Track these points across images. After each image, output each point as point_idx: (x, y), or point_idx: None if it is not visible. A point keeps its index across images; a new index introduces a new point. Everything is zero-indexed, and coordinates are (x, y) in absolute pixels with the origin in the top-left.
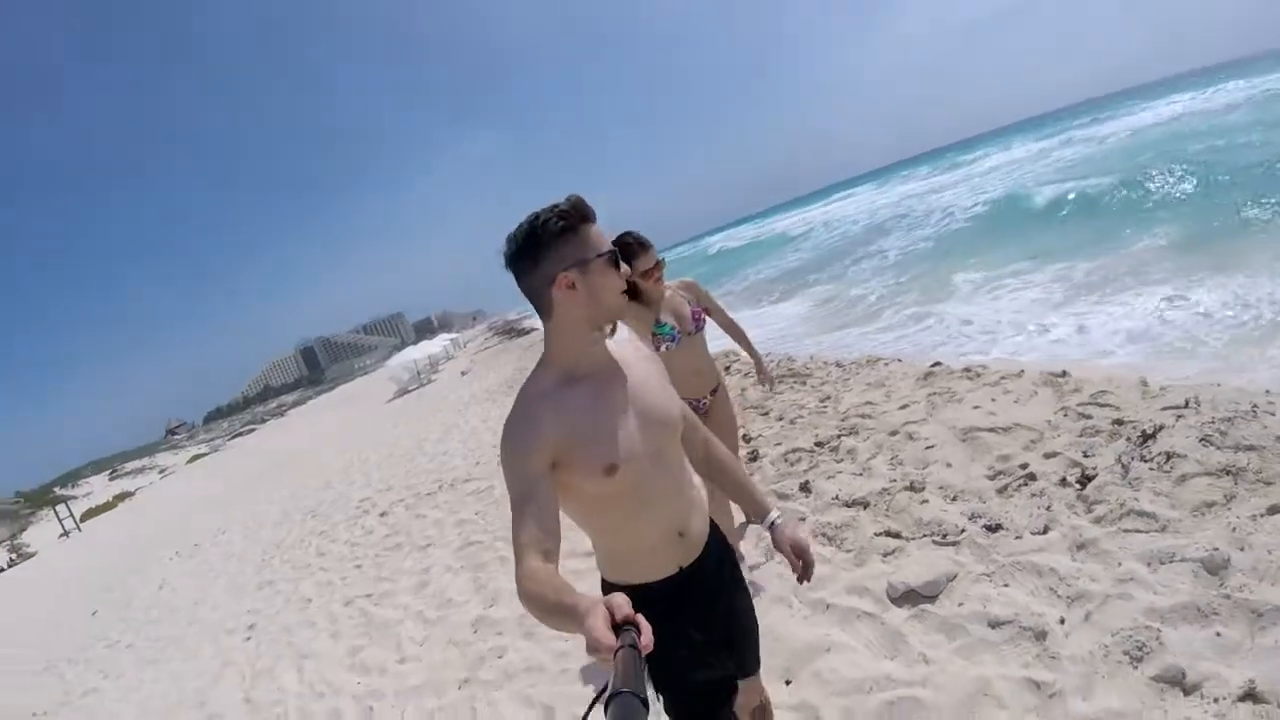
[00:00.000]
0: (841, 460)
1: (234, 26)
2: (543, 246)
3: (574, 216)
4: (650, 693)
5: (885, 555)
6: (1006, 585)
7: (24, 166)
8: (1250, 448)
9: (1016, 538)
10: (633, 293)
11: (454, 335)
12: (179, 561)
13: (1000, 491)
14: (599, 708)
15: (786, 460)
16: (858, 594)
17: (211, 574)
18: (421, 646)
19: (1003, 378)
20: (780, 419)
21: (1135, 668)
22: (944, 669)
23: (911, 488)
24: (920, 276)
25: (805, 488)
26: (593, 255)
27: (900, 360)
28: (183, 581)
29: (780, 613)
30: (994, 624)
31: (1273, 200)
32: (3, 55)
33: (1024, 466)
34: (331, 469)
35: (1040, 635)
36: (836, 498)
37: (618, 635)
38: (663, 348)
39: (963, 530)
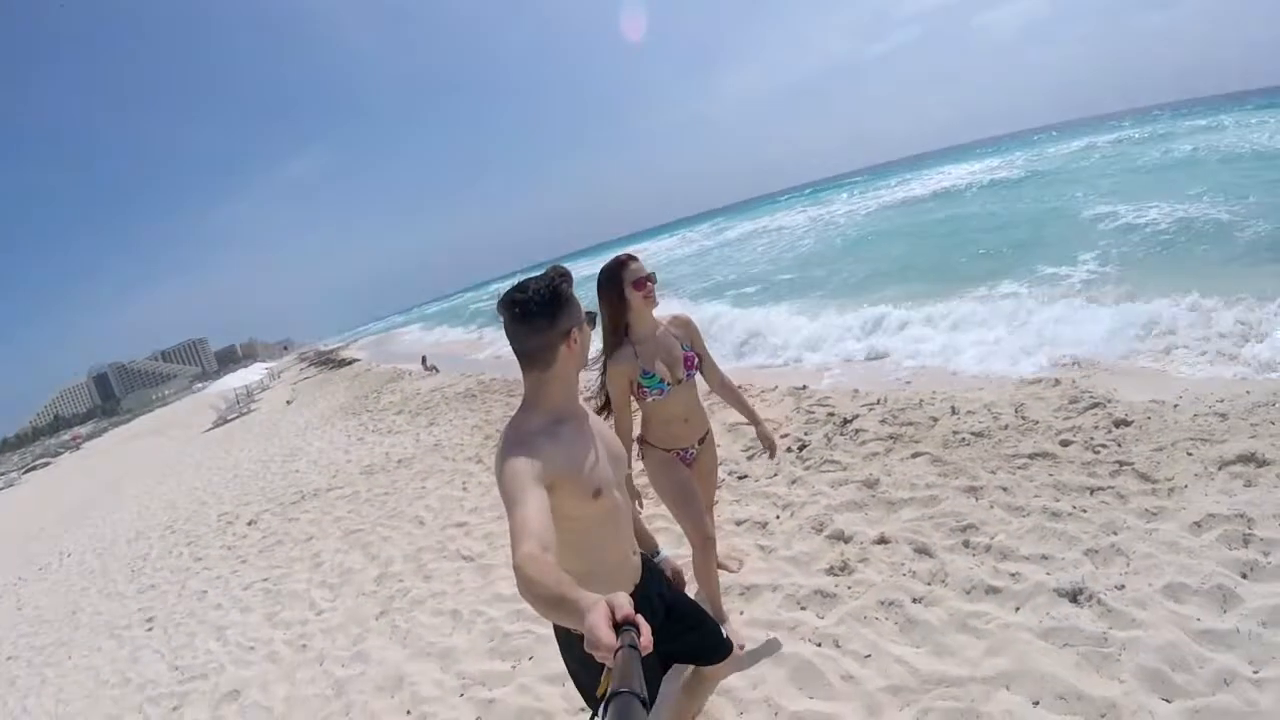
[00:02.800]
0: None
1: (39, 30)
2: (561, 306)
3: (572, 282)
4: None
5: None
6: (746, 505)
7: None
8: (910, 424)
9: (755, 480)
10: (618, 331)
11: (270, 365)
12: (29, 584)
13: (749, 458)
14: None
15: None
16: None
17: (76, 589)
18: (333, 602)
19: (763, 391)
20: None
21: (818, 533)
22: None
23: None
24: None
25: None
26: (583, 317)
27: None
28: (44, 599)
29: None
30: (738, 522)
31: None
32: None
33: (782, 434)
34: (172, 491)
35: (763, 525)
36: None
37: (618, 634)
38: (649, 399)
39: (722, 479)
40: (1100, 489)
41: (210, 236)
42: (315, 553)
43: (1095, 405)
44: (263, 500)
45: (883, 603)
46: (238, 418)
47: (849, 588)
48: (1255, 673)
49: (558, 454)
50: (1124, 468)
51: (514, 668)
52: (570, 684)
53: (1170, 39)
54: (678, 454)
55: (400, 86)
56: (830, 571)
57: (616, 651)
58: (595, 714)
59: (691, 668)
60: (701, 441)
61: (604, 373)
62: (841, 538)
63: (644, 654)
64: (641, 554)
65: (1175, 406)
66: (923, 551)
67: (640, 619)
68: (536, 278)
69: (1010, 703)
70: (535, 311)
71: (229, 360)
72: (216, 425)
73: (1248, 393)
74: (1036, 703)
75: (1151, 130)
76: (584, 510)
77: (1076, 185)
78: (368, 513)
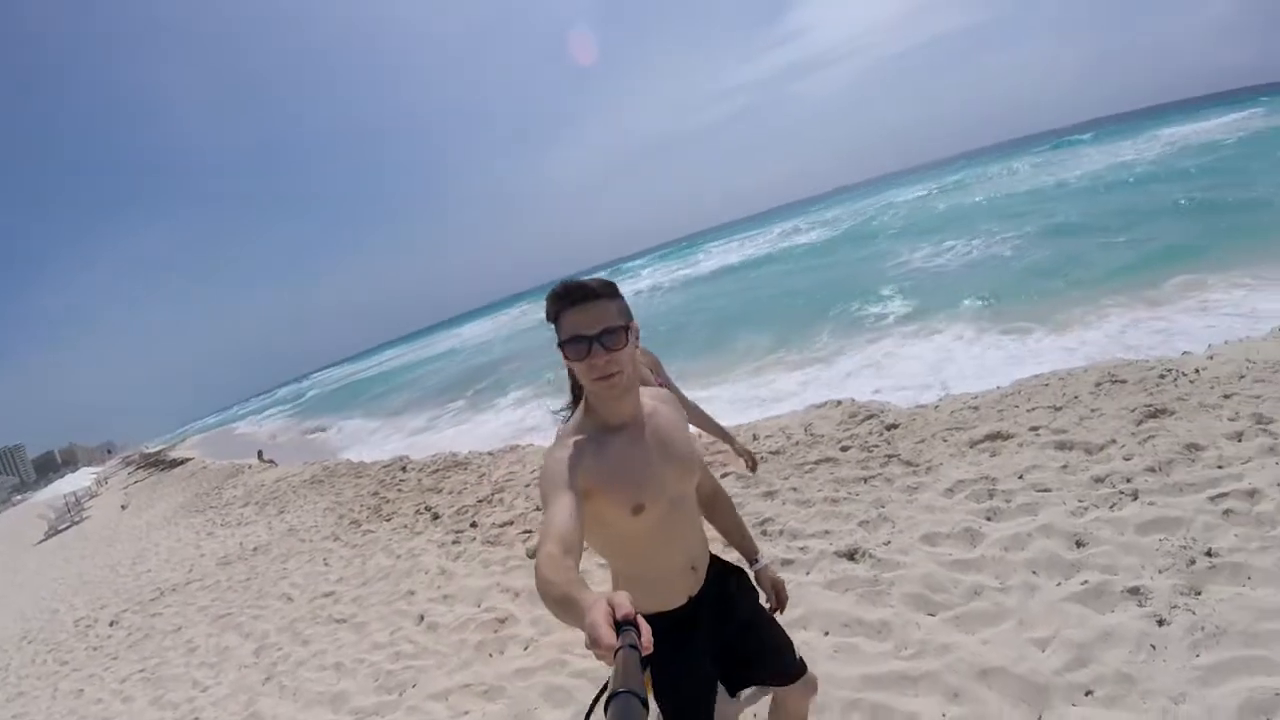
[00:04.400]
0: (495, 506)
1: None
2: (620, 294)
3: (553, 305)
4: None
5: None
6: None
7: None
8: (720, 451)
9: None
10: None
11: (96, 470)
12: None
13: None
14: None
15: (459, 513)
16: None
17: None
18: (217, 678)
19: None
20: (453, 492)
21: None
22: None
23: (539, 509)
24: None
25: (475, 524)
26: (561, 342)
27: (522, 445)
28: None
29: None
30: None
31: None
32: None
33: None
34: (17, 603)
35: None
36: (510, 523)
37: (619, 633)
38: None
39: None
40: (872, 477)
41: (18, 333)
42: (187, 639)
43: (870, 416)
44: (119, 601)
45: None
46: (70, 527)
47: None
48: (1000, 583)
49: (599, 465)
50: (891, 459)
51: (401, 695)
52: (453, 697)
53: (979, 90)
54: None
55: (225, 171)
56: None
57: (616, 651)
58: (589, 714)
59: (771, 697)
60: None
61: None
62: None
63: (644, 654)
64: (719, 566)
65: (936, 408)
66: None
67: (641, 619)
68: (575, 281)
69: (807, 636)
70: (600, 292)
71: (48, 468)
72: (49, 536)
73: (998, 387)
74: (827, 633)
75: (950, 179)
76: (625, 523)
77: (878, 238)
78: (233, 598)
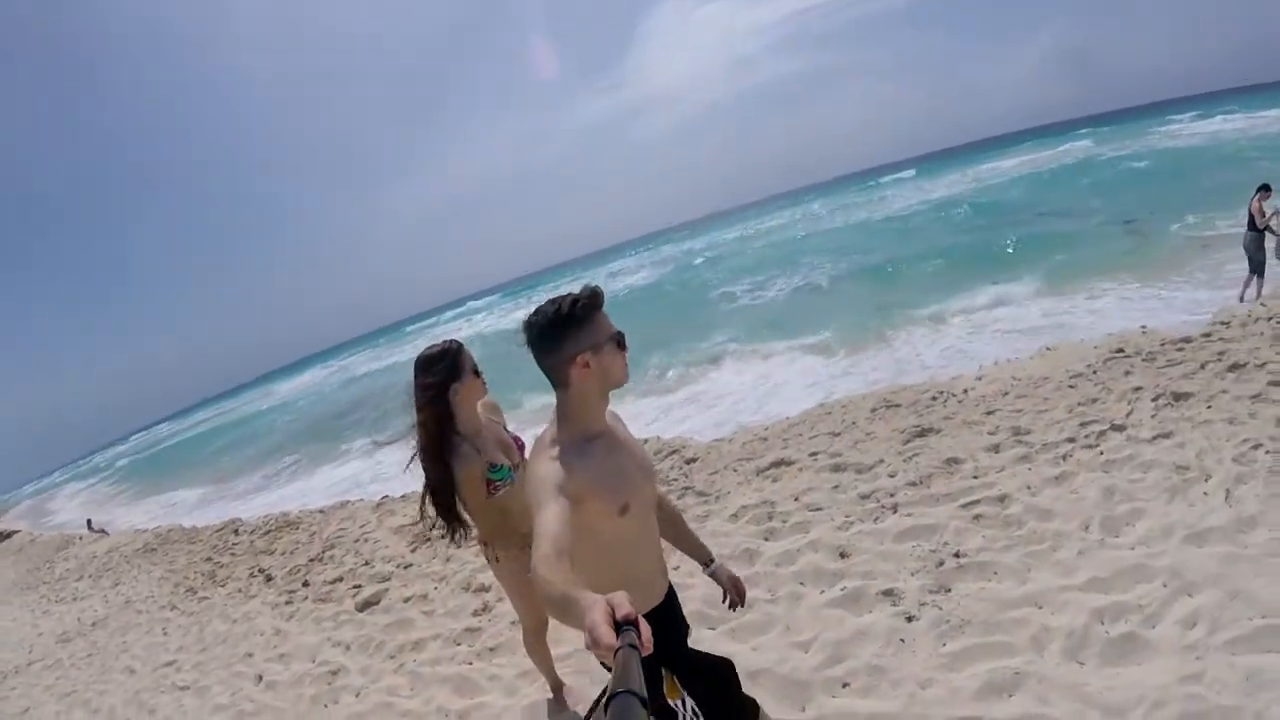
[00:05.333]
0: (325, 564)
1: None
2: (566, 330)
3: (589, 306)
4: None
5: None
6: (411, 585)
7: None
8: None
9: (418, 566)
10: (448, 424)
11: None
12: None
13: (413, 550)
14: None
15: (291, 573)
16: None
17: None
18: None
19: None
20: (285, 553)
21: (466, 590)
22: None
23: (367, 564)
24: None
25: (306, 583)
26: (604, 339)
27: (352, 501)
28: None
29: None
30: (405, 599)
31: None
32: None
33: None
34: None
35: (424, 596)
36: (340, 579)
37: (618, 634)
38: (499, 493)
39: (394, 570)
40: None
41: None
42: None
43: (673, 452)
44: None
45: (514, 622)
46: None
47: (489, 621)
48: (771, 595)
49: (586, 470)
50: (688, 490)
51: None
52: None
53: (804, 131)
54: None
55: (32, 205)
56: (475, 614)
57: (616, 651)
58: (590, 714)
59: None
60: None
61: (437, 488)
62: (483, 588)
63: (644, 654)
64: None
65: (730, 440)
66: None
67: (641, 619)
68: (554, 299)
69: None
70: (542, 334)
71: None
72: None
73: (786, 418)
74: None
75: (769, 218)
76: (612, 526)
77: (707, 273)
78: (76, 675)
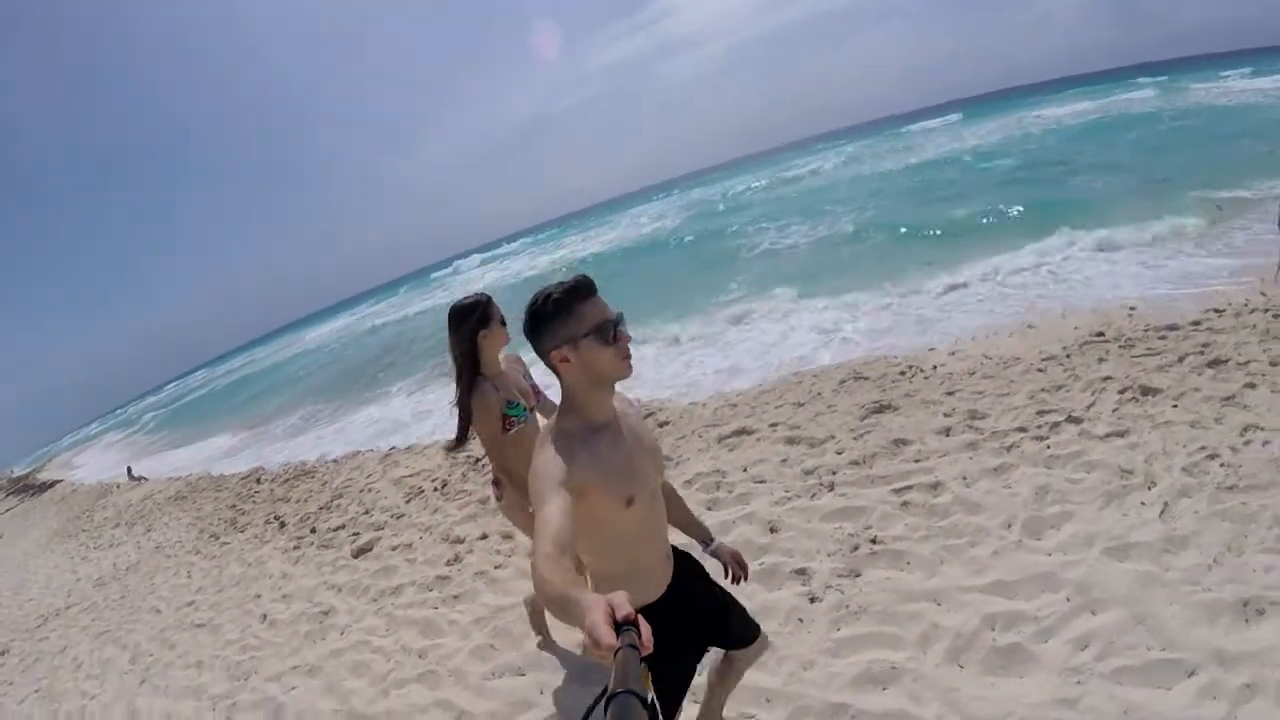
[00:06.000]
0: (332, 512)
1: None
2: (540, 325)
3: (568, 298)
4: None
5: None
6: (401, 534)
7: None
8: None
9: (409, 516)
10: (474, 364)
11: None
12: None
13: (407, 501)
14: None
15: (302, 520)
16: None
17: None
18: (101, 686)
19: (426, 448)
20: (299, 500)
21: (444, 541)
22: None
23: (367, 513)
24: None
25: (314, 530)
26: (581, 334)
27: (363, 451)
28: None
29: None
30: (393, 548)
31: None
32: None
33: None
34: None
35: (409, 545)
36: (343, 526)
37: (618, 633)
38: (514, 430)
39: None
40: None
41: None
42: (73, 657)
43: (648, 415)
44: (7, 632)
45: (477, 574)
46: None
47: (458, 571)
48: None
49: (591, 462)
50: None
51: (246, 680)
52: (284, 677)
53: (841, 72)
54: None
55: (63, 167)
56: (448, 564)
57: (616, 651)
58: (588, 714)
59: (723, 655)
60: None
61: (466, 411)
62: (458, 540)
63: (644, 654)
64: (676, 553)
65: (704, 405)
66: (507, 536)
67: (641, 619)
68: (538, 290)
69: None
70: (525, 327)
71: None
72: None
73: (760, 384)
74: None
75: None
76: (618, 516)
77: (734, 217)
78: (109, 616)
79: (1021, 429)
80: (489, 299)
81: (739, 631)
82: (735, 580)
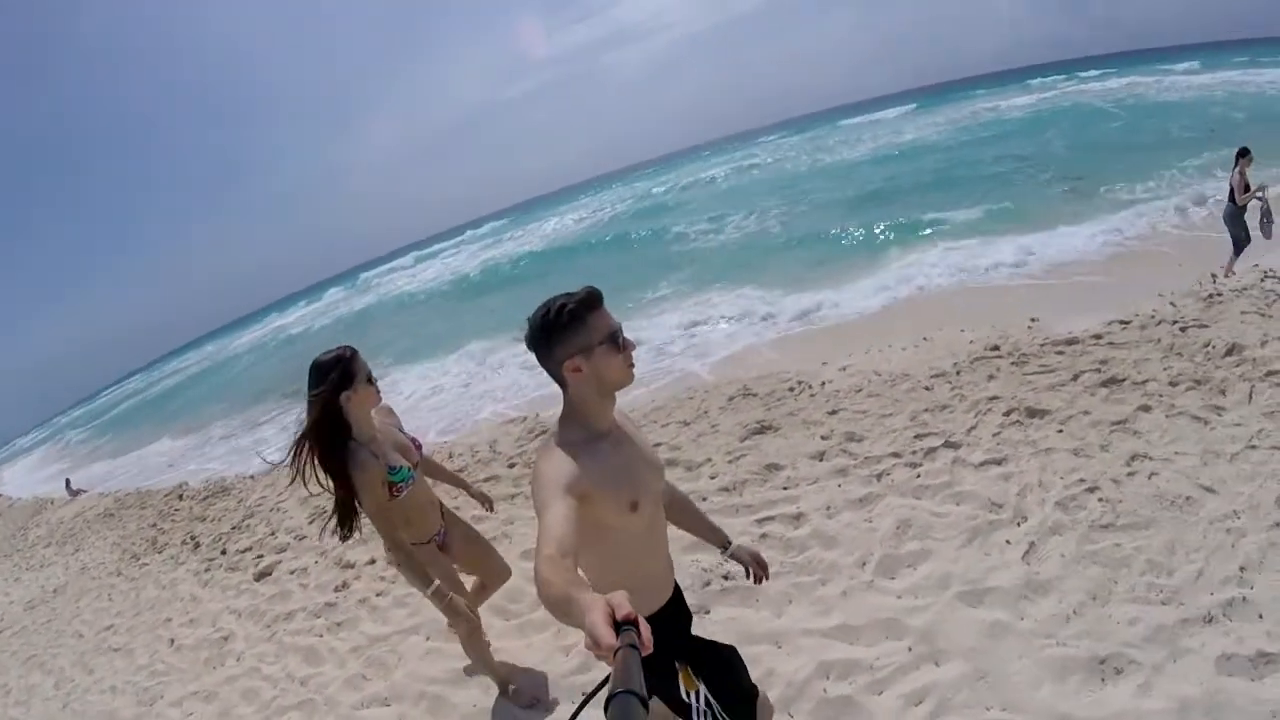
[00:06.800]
0: (242, 533)
1: None
2: (553, 335)
3: (581, 308)
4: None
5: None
6: (299, 558)
7: None
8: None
9: (311, 540)
10: (340, 428)
11: None
12: None
13: (310, 522)
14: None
15: (215, 541)
16: None
17: None
18: (26, 714)
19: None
20: (214, 520)
21: (337, 565)
22: None
23: (273, 534)
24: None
25: (224, 551)
26: (595, 343)
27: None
28: None
29: None
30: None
31: None
32: None
33: None
34: None
35: (305, 570)
36: (249, 548)
37: (618, 633)
38: (403, 494)
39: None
40: (516, 495)
41: None
42: (3, 683)
43: (544, 432)
44: None
45: (360, 600)
46: None
47: (343, 598)
48: None
49: (595, 468)
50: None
51: (152, 705)
52: (185, 703)
53: (783, 64)
54: (435, 541)
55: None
56: (335, 590)
57: (616, 651)
58: (576, 713)
59: None
60: (443, 516)
61: (345, 490)
62: (348, 565)
63: (644, 654)
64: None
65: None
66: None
67: (641, 619)
68: (546, 301)
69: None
70: (534, 338)
71: None
72: None
73: (653, 401)
74: (428, 637)
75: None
76: (623, 522)
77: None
78: (37, 640)
79: (896, 454)
80: (353, 353)
81: (739, 682)
82: (757, 580)
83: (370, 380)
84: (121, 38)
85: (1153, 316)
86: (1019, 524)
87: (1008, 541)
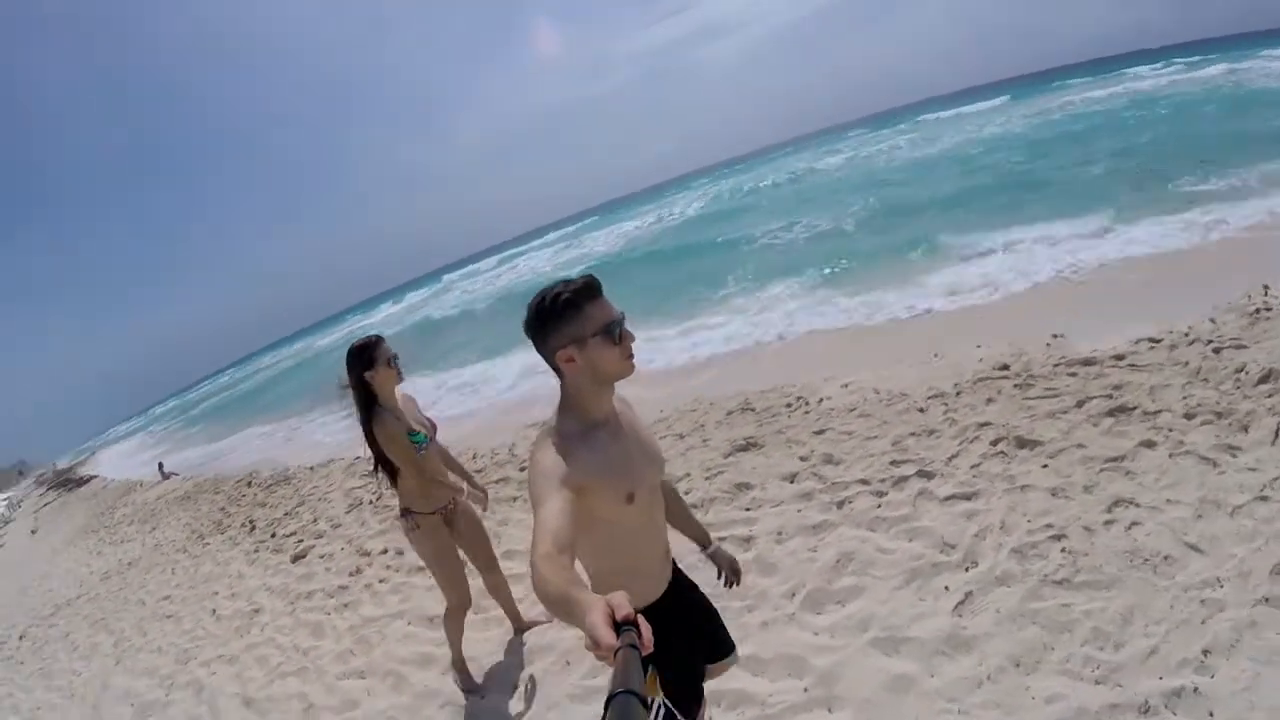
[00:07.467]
0: (292, 519)
1: None
2: (547, 324)
3: (577, 297)
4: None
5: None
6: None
7: None
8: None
9: (346, 528)
10: (371, 399)
11: (8, 494)
12: None
13: (347, 512)
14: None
15: (269, 525)
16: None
17: None
18: (89, 666)
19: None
20: (273, 506)
21: (358, 554)
22: None
23: (315, 521)
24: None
25: (274, 534)
26: (589, 334)
27: (334, 460)
28: None
29: None
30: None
31: None
32: None
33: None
34: None
35: (324, 556)
36: (294, 533)
37: (618, 633)
38: (418, 455)
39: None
40: (514, 498)
41: None
42: (72, 642)
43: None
44: (27, 619)
45: (366, 586)
46: None
47: (355, 581)
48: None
49: (591, 459)
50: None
51: (186, 664)
52: (212, 664)
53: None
54: (441, 513)
55: (91, 170)
56: (350, 574)
57: (616, 651)
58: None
59: None
60: (454, 499)
61: (374, 440)
62: (365, 553)
63: (644, 653)
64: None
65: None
66: (399, 552)
67: (641, 619)
68: (543, 289)
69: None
70: (528, 327)
71: None
72: None
73: (660, 411)
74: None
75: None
76: (619, 513)
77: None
78: (107, 606)
79: (864, 481)
80: (378, 340)
81: (725, 639)
82: (729, 585)
83: (389, 363)
84: (219, 48)
85: (1186, 334)
86: (967, 569)
87: (946, 588)
